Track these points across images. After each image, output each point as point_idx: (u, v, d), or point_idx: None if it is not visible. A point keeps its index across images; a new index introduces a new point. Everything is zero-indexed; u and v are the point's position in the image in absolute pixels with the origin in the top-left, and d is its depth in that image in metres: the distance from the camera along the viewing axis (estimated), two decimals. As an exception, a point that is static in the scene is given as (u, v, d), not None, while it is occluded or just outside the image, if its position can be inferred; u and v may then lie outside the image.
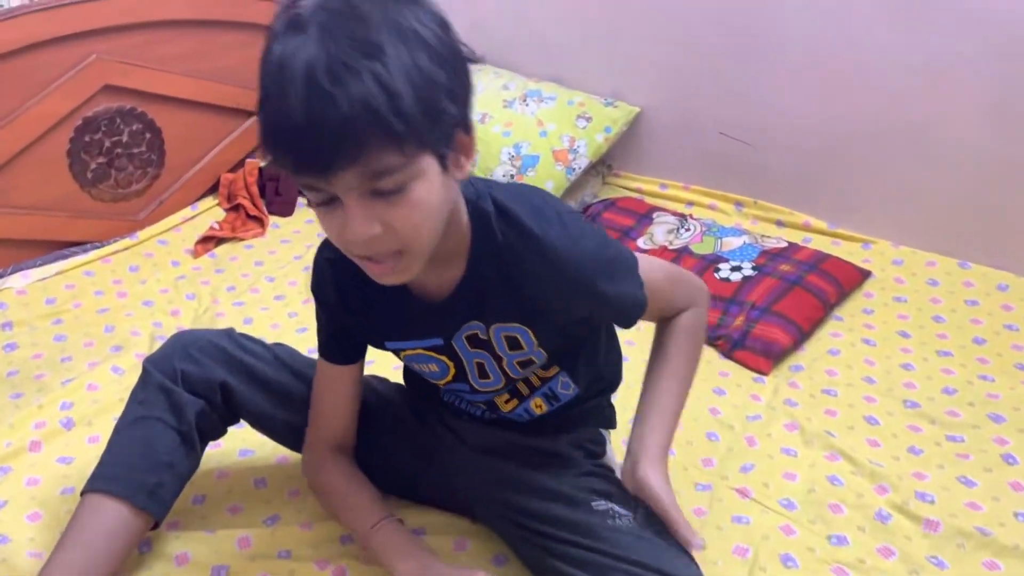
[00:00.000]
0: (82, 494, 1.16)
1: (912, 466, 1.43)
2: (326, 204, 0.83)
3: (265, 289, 2.00)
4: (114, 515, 1.13)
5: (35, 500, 1.35)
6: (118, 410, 1.53)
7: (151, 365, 1.23)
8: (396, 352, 1.16)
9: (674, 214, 2.16)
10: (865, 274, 1.95)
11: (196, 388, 1.20)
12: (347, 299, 1.11)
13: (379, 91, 0.73)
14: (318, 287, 1.13)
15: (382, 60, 0.74)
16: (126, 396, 1.57)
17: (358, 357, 1.19)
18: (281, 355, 1.29)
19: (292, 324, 1.86)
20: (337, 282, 1.10)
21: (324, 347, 1.18)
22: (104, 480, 1.16)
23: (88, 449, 1.46)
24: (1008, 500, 1.35)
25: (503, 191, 0.99)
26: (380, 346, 1.16)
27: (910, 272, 1.98)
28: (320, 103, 0.73)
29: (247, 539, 1.26)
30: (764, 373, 1.68)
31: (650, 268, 1.08)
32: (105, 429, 1.49)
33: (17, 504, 1.33)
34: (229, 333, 1.28)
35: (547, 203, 1.00)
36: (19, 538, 1.27)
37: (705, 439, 1.50)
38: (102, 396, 1.59)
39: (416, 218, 0.84)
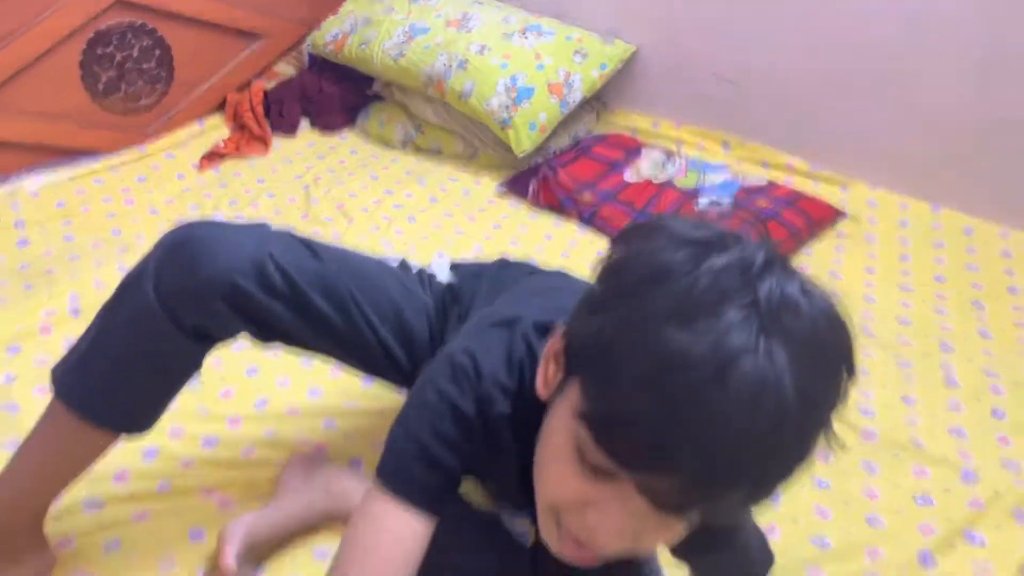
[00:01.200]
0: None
1: (859, 384, 1.52)
2: (598, 476, 0.69)
3: (265, 204, 2.09)
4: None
5: (43, 377, 1.45)
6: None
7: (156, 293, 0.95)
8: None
9: (662, 150, 2.24)
10: (839, 213, 2.03)
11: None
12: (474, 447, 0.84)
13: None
14: (459, 428, 0.82)
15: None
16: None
17: (443, 508, 0.83)
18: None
19: (289, 236, 1.95)
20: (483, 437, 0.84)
21: (408, 479, 0.81)
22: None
23: (93, 336, 1.57)
24: (944, 418, 1.46)
25: None
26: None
27: (883, 213, 2.06)
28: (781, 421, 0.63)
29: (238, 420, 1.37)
30: (731, 299, 1.77)
31: None
32: (109, 319, 1.61)
33: (26, 379, 1.45)
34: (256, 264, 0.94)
35: None
36: (28, 408, 1.38)
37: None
38: (107, 291, 1.67)
39: (669, 540, 0.74)
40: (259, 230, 0.99)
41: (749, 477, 0.65)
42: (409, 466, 0.81)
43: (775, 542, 1.20)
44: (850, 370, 0.69)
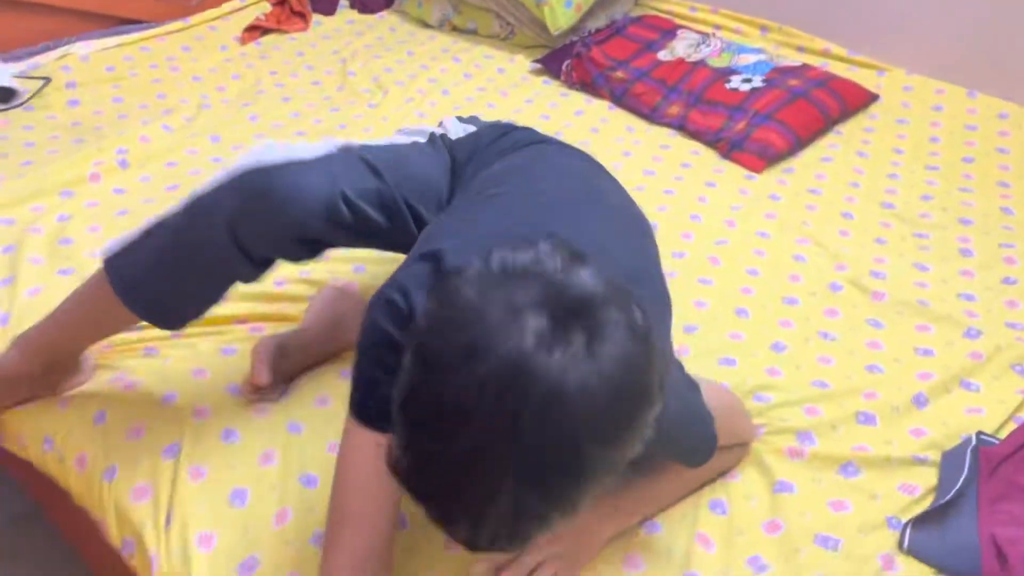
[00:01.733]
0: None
1: (874, 252, 1.56)
2: None
3: (304, 75, 2.15)
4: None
5: (94, 217, 1.55)
6: (166, 159, 1.74)
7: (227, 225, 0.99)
8: None
9: (698, 32, 2.23)
10: (872, 96, 2.02)
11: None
12: None
13: None
14: (373, 344, 0.90)
15: None
16: (175, 148, 1.78)
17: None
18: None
19: (326, 105, 2.01)
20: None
21: (362, 406, 0.91)
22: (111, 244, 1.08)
23: (139, 185, 1.65)
24: (955, 283, 1.49)
25: None
26: None
27: (918, 98, 2.04)
28: None
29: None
30: (756, 172, 1.79)
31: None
32: (155, 172, 1.70)
33: (79, 219, 1.54)
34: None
35: None
36: (80, 241, 1.48)
37: (688, 219, 1.64)
38: (153, 147, 1.77)
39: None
40: (331, 167, 1.02)
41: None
42: (363, 397, 0.91)
43: (776, 382, 1.27)
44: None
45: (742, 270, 1.51)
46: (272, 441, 1.13)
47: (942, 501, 1.07)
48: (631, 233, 1.11)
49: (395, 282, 0.93)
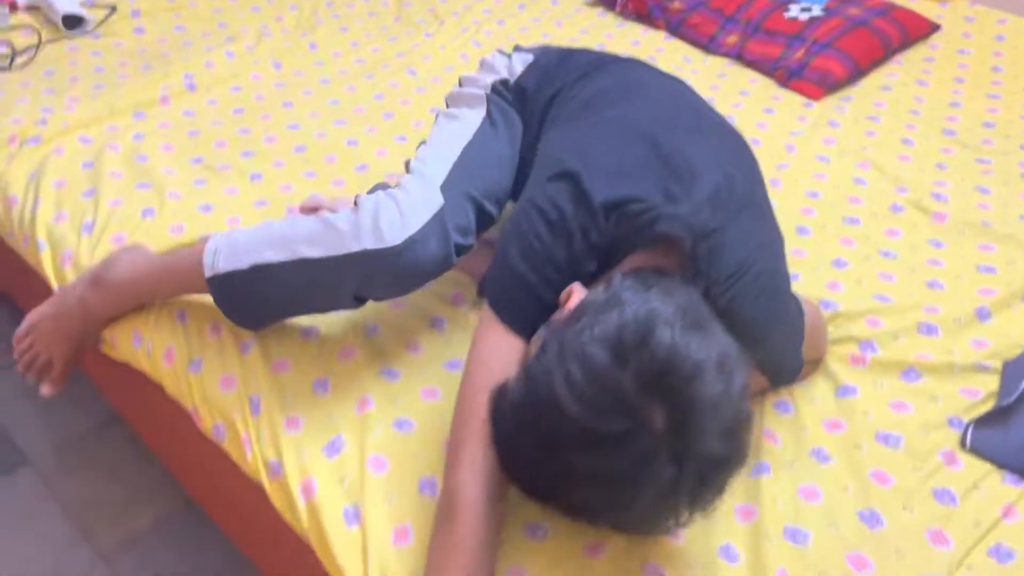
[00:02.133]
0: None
1: (935, 176, 1.57)
2: None
3: (360, 6, 2.16)
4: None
5: (166, 137, 1.60)
6: (231, 83, 1.78)
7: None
8: None
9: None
10: (933, 26, 2.00)
11: None
12: None
13: None
14: (533, 251, 0.97)
15: None
16: (239, 73, 1.81)
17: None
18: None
19: (383, 35, 2.03)
20: None
21: (513, 307, 0.98)
22: (218, 256, 1.09)
23: (207, 108, 1.70)
24: (1016, 207, 1.49)
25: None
26: None
27: (979, 28, 2.02)
28: None
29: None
30: (815, 99, 1.79)
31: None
32: (221, 95, 1.74)
33: (153, 138, 1.59)
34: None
35: None
36: (154, 159, 1.53)
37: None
38: (217, 72, 1.81)
39: None
40: (443, 225, 1.04)
41: None
42: (517, 298, 0.97)
43: (837, 295, 1.29)
44: None
45: (803, 192, 1.52)
46: (351, 339, 1.18)
47: (1005, 403, 1.09)
48: (740, 149, 1.15)
49: (539, 196, 0.99)
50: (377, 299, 1.09)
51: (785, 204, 1.48)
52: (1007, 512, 0.98)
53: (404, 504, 0.98)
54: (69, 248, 1.33)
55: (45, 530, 1.59)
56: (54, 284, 1.33)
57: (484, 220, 1.13)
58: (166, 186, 1.44)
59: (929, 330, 1.23)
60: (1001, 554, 0.94)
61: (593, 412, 0.77)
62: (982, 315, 1.26)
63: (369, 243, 1.00)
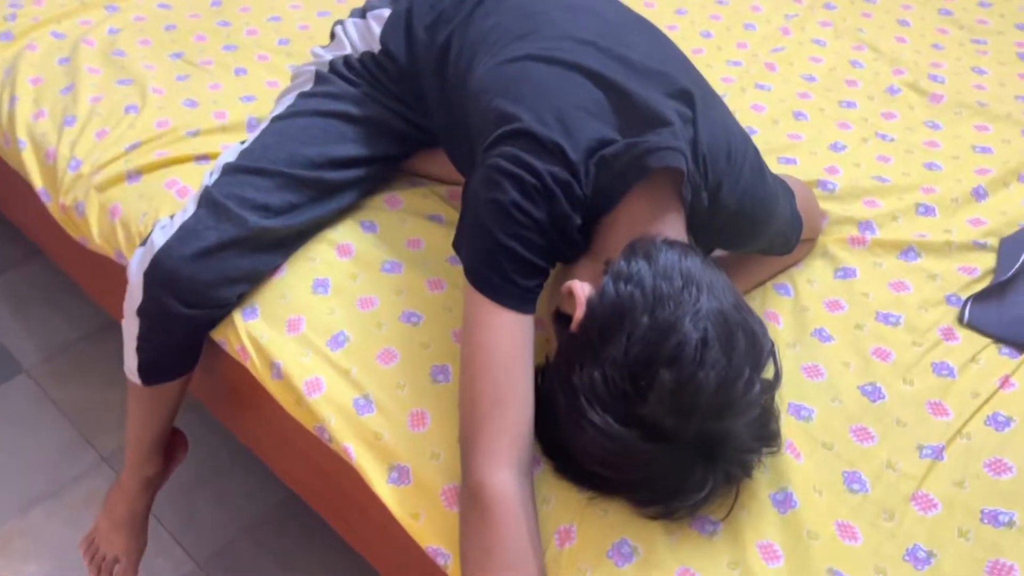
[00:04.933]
0: None
1: (931, 57, 1.55)
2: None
3: None
4: None
5: (143, 31, 1.53)
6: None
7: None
8: None
9: None
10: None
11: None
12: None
13: None
14: (510, 219, 0.89)
15: None
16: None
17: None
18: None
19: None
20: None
21: (512, 288, 0.90)
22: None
23: (184, 1, 1.62)
24: (1013, 86, 1.48)
25: None
26: None
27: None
28: None
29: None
30: (809, -18, 1.75)
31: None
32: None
33: (129, 32, 1.52)
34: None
35: None
36: (134, 55, 1.47)
37: (742, 28, 1.62)
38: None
39: None
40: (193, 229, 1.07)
41: None
42: (500, 278, 0.90)
43: (835, 178, 1.29)
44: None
45: (798, 76, 1.50)
46: (349, 236, 1.16)
47: (1002, 279, 1.11)
48: (667, 44, 1.09)
49: (503, 159, 0.90)
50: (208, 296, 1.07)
51: (781, 88, 1.47)
52: (1004, 383, 1.01)
53: (417, 391, 0.99)
54: (51, 145, 1.29)
55: (46, 435, 1.60)
56: (37, 183, 1.30)
57: (323, 186, 1.12)
58: (147, 81, 1.39)
59: (927, 210, 1.24)
60: (999, 422, 0.97)
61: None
62: (979, 194, 1.26)
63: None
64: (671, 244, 0.88)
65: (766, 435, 0.85)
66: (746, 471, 0.87)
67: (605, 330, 0.83)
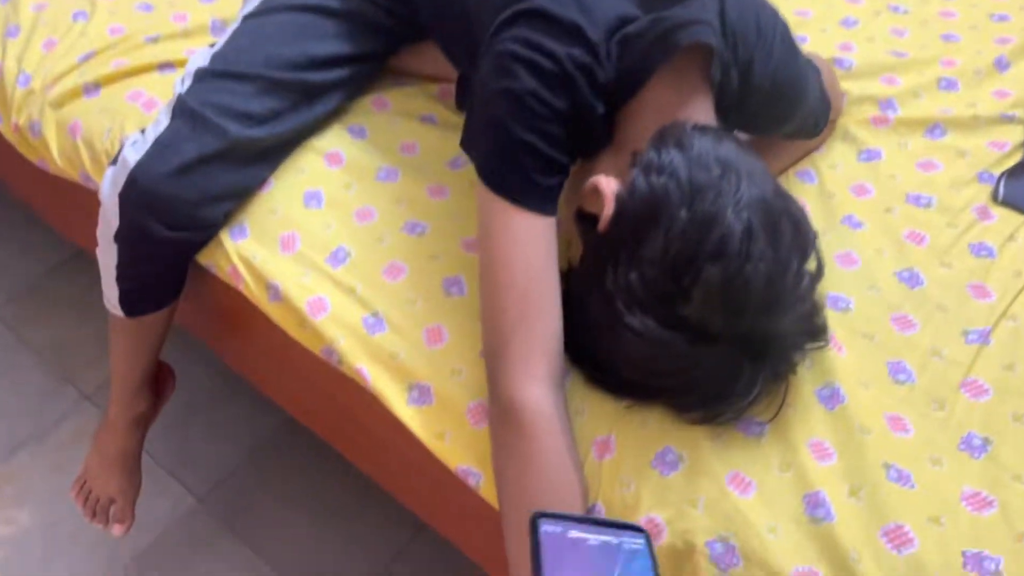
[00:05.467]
0: None
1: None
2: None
3: None
4: None
5: None
6: None
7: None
8: None
9: None
10: None
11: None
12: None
13: None
14: (526, 109, 0.81)
15: None
16: None
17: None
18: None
19: None
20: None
21: (532, 187, 0.82)
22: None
23: None
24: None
25: None
26: None
27: None
28: None
29: None
30: None
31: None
32: None
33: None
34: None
35: None
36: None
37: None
38: None
39: None
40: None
41: None
42: (521, 176, 0.82)
43: (850, 55, 1.21)
44: None
45: (800, -53, 1.40)
46: (336, 143, 1.07)
47: (1036, 152, 1.06)
48: None
49: (515, 43, 0.81)
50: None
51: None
52: (1046, 259, 0.97)
53: (431, 306, 0.92)
54: (-5, 60, 1.17)
55: (23, 378, 1.51)
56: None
57: (305, 89, 1.02)
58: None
59: (949, 85, 1.17)
60: (1044, 301, 0.93)
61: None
62: (1001, 65, 1.20)
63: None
64: (703, 129, 0.81)
65: (814, 329, 0.80)
66: (793, 368, 0.82)
67: (639, 228, 0.76)
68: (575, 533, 0.54)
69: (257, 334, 1.11)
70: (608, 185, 0.80)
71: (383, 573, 1.30)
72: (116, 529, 1.23)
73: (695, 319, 0.74)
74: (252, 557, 1.32)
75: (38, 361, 1.54)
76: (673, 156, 0.78)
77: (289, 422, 1.44)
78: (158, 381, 1.23)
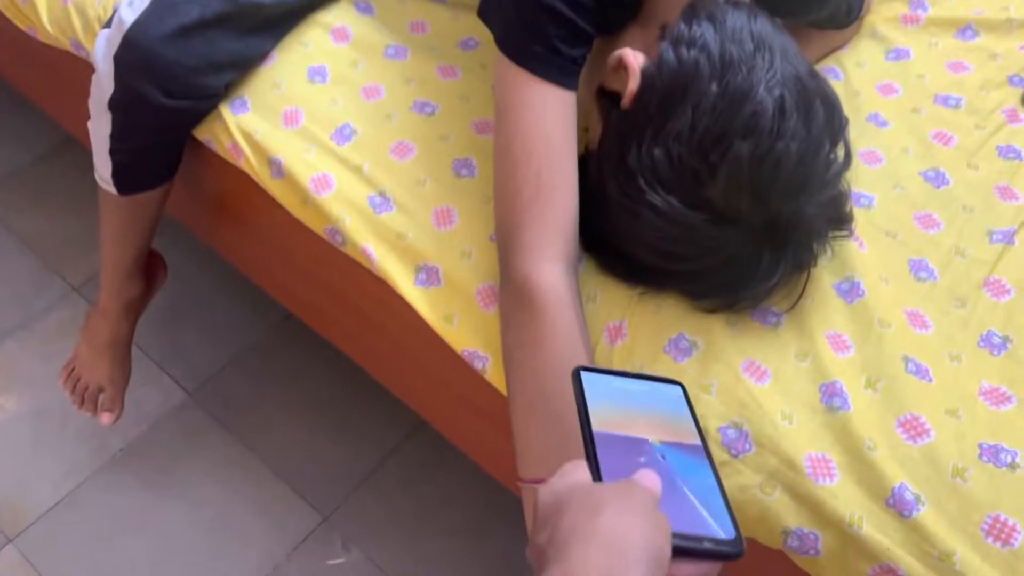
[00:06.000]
0: None
1: None
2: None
3: None
4: None
5: None
6: None
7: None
8: None
9: None
10: None
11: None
12: None
13: None
14: None
15: None
16: None
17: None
18: None
19: None
20: None
21: (556, 57, 0.78)
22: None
23: None
24: None
25: None
26: None
27: None
28: None
29: None
30: None
31: None
32: None
33: None
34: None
35: None
36: None
37: None
38: None
39: None
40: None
41: None
42: (543, 44, 0.77)
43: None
44: None
45: None
46: (342, 18, 1.02)
47: (1071, 55, 1.02)
48: None
49: None
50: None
51: None
52: (1075, 163, 0.94)
53: (441, 187, 0.89)
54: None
55: (9, 267, 1.47)
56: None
57: None
58: None
59: (982, -15, 1.13)
60: (1071, 204, 0.90)
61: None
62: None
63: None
64: (737, 4, 0.77)
65: (840, 216, 0.77)
66: (814, 259, 0.79)
67: (666, 102, 0.73)
68: (616, 383, 0.55)
69: (256, 219, 1.08)
70: (635, 58, 0.76)
71: (376, 469, 1.29)
72: (105, 418, 1.21)
73: (720, 199, 0.71)
74: (244, 451, 1.31)
75: (24, 250, 1.49)
76: (705, 29, 0.74)
77: (283, 324, 1.42)
78: (149, 268, 1.19)
